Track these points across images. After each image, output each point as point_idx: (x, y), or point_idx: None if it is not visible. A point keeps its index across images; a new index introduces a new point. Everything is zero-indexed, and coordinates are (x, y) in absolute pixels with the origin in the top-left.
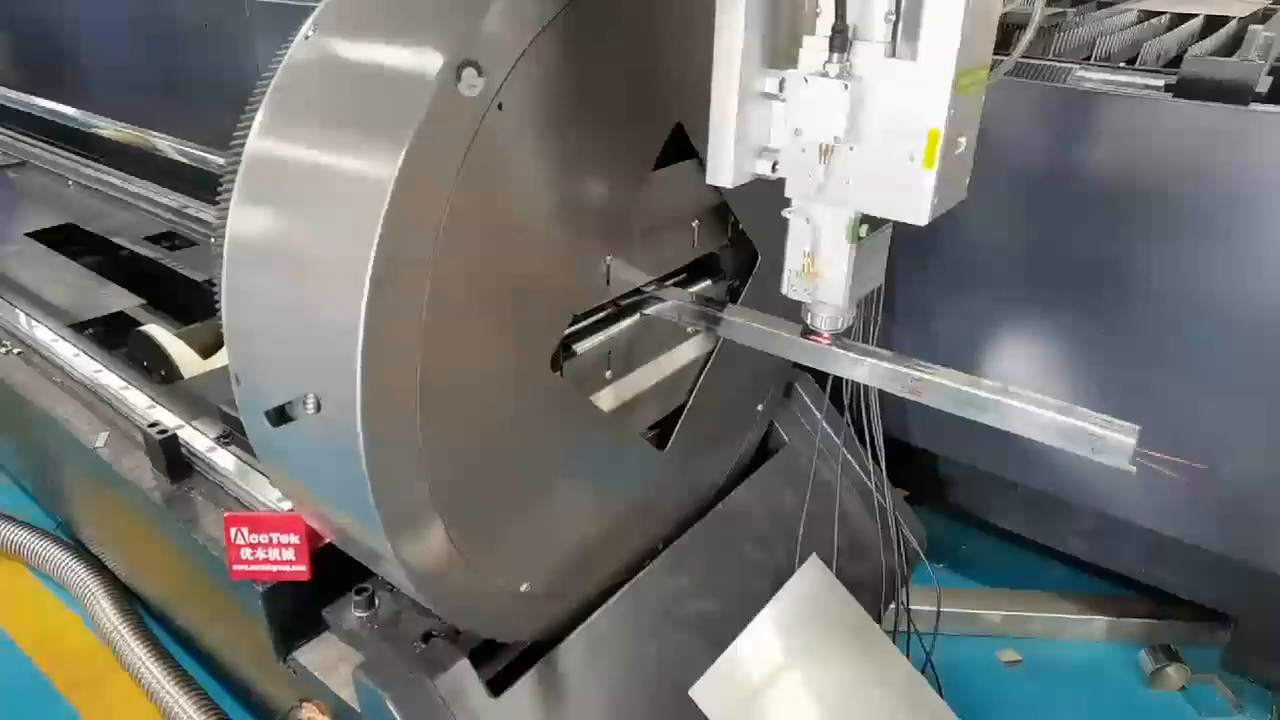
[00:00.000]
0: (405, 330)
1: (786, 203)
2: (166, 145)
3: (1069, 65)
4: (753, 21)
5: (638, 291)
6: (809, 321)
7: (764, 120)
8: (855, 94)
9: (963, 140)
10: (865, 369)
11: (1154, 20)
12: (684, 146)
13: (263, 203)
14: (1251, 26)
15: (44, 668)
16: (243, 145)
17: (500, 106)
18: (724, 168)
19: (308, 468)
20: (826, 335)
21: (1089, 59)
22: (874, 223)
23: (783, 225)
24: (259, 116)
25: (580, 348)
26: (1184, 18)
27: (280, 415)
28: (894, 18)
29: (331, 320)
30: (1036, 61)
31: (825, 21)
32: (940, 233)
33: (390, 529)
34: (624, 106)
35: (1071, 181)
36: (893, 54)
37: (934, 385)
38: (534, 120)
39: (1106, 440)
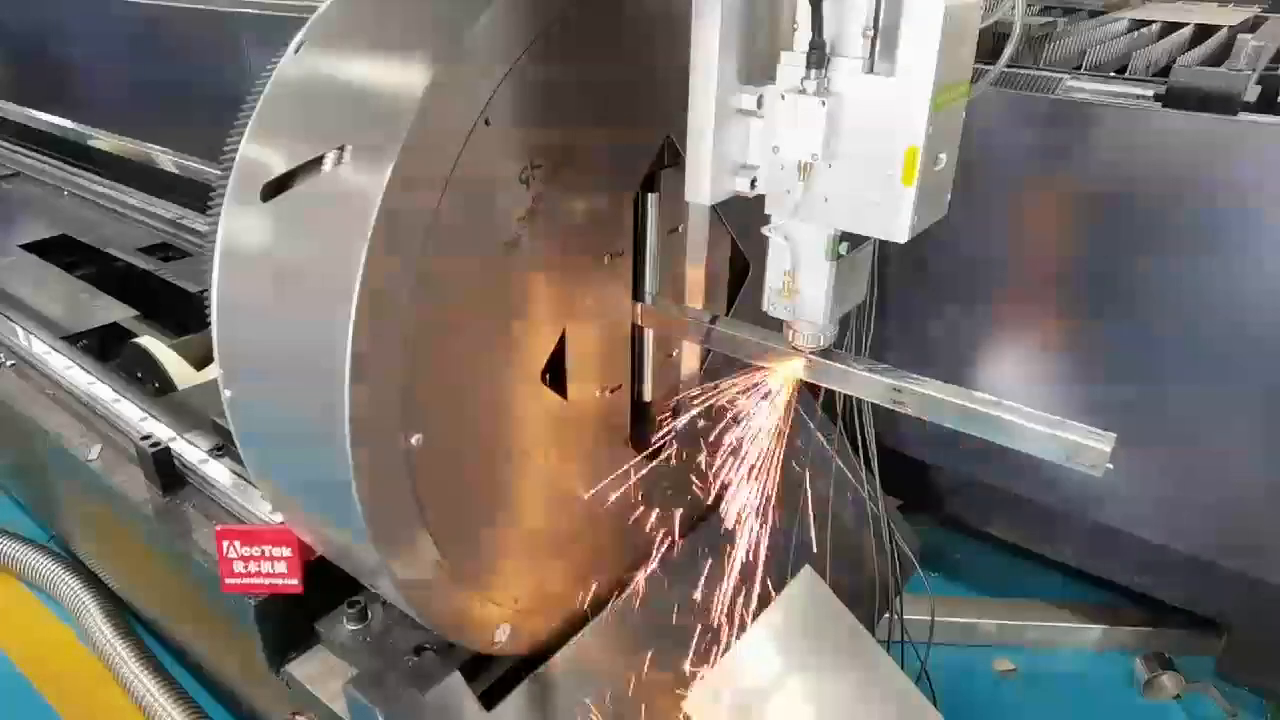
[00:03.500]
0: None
1: (766, 219)
2: (160, 156)
3: (1060, 75)
4: (729, 37)
5: None
6: (790, 339)
7: (742, 137)
8: (833, 111)
9: (943, 156)
10: (850, 380)
11: (1144, 29)
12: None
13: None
14: (1240, 36)
15: (36, 681)
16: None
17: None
18: (702, 185)
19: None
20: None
21: (1079, 68)
22: (854, 240)
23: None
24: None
25: None
26: (1174, 27)
27: None
28: (872, 33)
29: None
30: (1027, 71)
31: (803, 37)
32: (932, 243)
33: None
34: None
35: (1063, 191)
36: (870, 70)
37: (916, 395)
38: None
39: (1083, 448)
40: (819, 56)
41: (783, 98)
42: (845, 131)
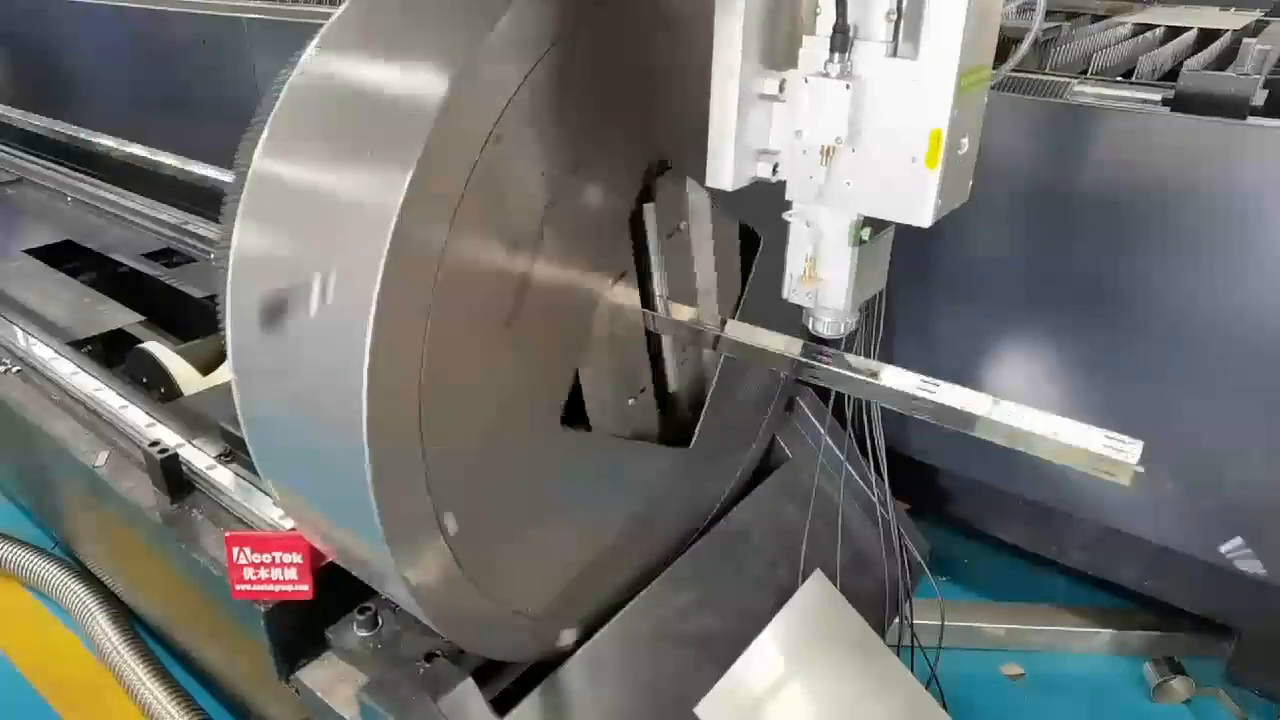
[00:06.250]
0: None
1: (787, 206)
2: (165, 161)
3: (1066, 79)
4: (752, 22)
5: None
6: (811, 327)
7: (764, 122)
8: (856, 94)
9: (965, 141)
10: (867, 385)
11: (1148, 34)
12: None
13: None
14: (1245, 40)
15: (41, 688)
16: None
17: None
18: (724, 171)
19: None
20: (829, 339)
21: (1085, 73)
22: (876, 225)
23: (783, 229)
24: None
25: None
26: (1177, 31)
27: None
28: (895, 17)
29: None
30: (1034, 76)
31: (826, 21)
32: (940, 247)
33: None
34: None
35: (1071, 195)
36: (894, 54)
37: (936, 402)
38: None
39: (1109, 458)
40: (843, 40)
41: (806, 82)
42: (869, 115)
